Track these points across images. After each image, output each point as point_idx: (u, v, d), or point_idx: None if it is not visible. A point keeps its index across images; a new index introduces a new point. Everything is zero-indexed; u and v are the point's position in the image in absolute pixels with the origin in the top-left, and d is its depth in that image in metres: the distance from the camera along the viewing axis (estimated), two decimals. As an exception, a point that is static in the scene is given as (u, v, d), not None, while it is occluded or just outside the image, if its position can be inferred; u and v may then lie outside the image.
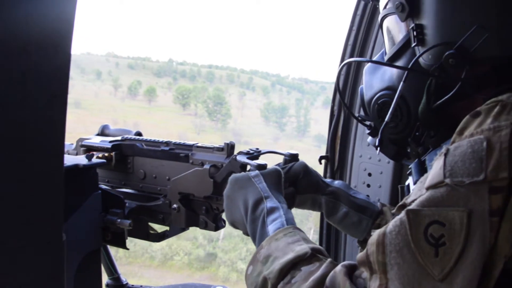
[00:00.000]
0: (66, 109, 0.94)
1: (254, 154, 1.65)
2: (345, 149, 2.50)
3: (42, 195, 0.90)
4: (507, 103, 0.94)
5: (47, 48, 0.85)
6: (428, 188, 0.93)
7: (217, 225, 1.71)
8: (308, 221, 29.96)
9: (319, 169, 2.28)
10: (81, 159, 1.61)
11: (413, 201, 0.95)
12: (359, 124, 2.41)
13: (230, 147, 1.65)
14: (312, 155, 2.41)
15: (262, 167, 1.48)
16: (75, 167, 1.55)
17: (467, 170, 0.89)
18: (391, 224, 0.95)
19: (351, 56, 2.40)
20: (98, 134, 2.02)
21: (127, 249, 1.75)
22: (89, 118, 52.99)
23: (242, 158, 1.59)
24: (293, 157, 1.66)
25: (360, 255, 0.99)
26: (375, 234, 0.97)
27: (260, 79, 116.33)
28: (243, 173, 1.44)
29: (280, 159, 1.70)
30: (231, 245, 29.81)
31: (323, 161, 2.52)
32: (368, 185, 2.41)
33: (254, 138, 57.65)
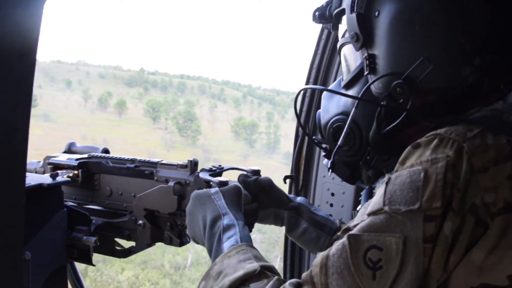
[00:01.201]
0: (29, 121, 0.91)
1: (217, 171, 1.68)
2: (309, 169, 2.54)
3: (2, 216, 0.91)
4: (445, 137, 0.99)
5: (11, 58, 0.85)
6: (369, 214, 0.99)
7: (182, 241, 1.74)
8: (275, 249, 30.27)
9: (284, 188, 2.30)
10: (46, 178, 1.61)
11: (355, 225, 1.00)
12: (324, 145, 2.54)
13: (194, 164, 1.68)
14: (282, 173, 2.46)
15: (223, 183, 1.50)
16: (40, 186, 1.55)
17: (404, 199, 0.95)
18: (334, 247, 1.00)
19: (316, 79, 2.46)
20: (65, 152, 2.03)
21: (93, 265, 1.78)
22: (58, 132, 52.40)
23: (205, 175, 1.61)
24: (256, 173, 1.70)
25: (305, 274, 1.04)
26: (319, 256, 1.03)
27: (231, 90, 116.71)
28: (204, 189, 1.48)
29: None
30: (198, 273, 29.91)
31: (287, 180, 2.55)
32: (331, 205, 2.45)
33: (224, 155, 57.79)
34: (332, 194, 2.45)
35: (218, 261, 1.22)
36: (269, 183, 1.68)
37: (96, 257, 1.77)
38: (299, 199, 1.73)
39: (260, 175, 1.71)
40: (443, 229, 0.93)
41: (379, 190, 1.02)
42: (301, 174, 2.54)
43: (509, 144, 0.97)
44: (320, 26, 1.45)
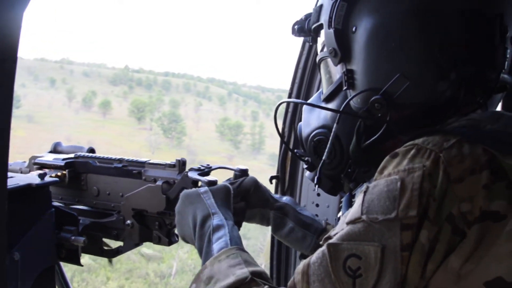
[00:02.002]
0: (10, 125, 0.90)
1: (205, 170, 1.67)
2: (295, 170, 2.55)
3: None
4: (422, 147, 1.01)
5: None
6: (348, 223, 1.01)
7: (170, 240, 1.74)
8: (259, 257, 30.62)
9: (270, 188, 2.32)
10: (34, 178, 1.60)
11: (335, 234, 1.03)
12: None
13: (182, 163, 1.69)
14: (267, 175, 2.45)
15: (212, 183, 1.51)
16: (28, 186, 1.54)
17: (381, 208, 0.98)
18: (315, 256, 1.03)
19: (299, 89, 2.48)
20: (51, 152, 2.02)
21: (81, 265, 1.79)
22: (42, 134, 52.02)
23: (193, 175, 1.62)
24: (243, 173, 1.72)
25: (290, 282, 1.06)
26: (301, 264, 1.05)
27: (217, 88, 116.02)
28: (193, 189, 1.49)
29: (230, 174, 1.76)
30: (183, 281, 30.05)
31: (273, 181, 2.57)
32: (317, 205, 2.47)
33: (209, 157, 57.72)
34: (318, 195, 2.48)
35: (209, 264, 1.23)
36: (254, 183, 1.69)
37: (80, 266, 1.77)
38: (285, 198, 1.75)
39: (247, 175, 1.72)
40: (419, 237, 0.95)
41: (358, 199, 1.04)
42: (287, 175, 2.56)
43: (485, 154, 0.99)
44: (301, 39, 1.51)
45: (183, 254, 27.85)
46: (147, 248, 29.64)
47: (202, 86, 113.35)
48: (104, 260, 1.94)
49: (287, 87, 2.60)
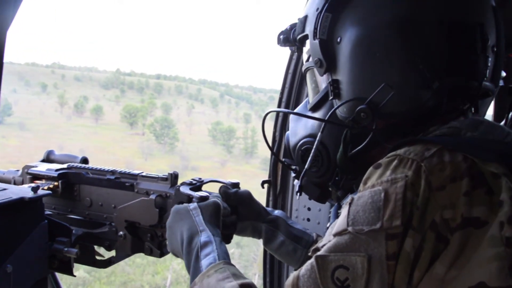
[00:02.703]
0: None
1: (197, 184, 1.69)
2: (287, 174, 2.55)
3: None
4: (404, 157, 1.03)
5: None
6: (334, 235, 1.03)
7: (162, 252, 1.75)
8: (253, 267, 30.28)
9: (262, 193, 2.42)
10: (27, 191, 1.60)
11: (323, 246, 1.05)
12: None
13: (174, 176, 1.70)
14: (259, 179, 2.46)
15: (203, 199, 1.53)
16: (21, 200, 1.55)
17: (366, 219, 0.99)
18: (304, 268, 1.04)
19: (289, 96, 2.50)
20: (43, 160, 2.02)
21: (74, 276, 1.79)
22: (34, 142, 51.79)
23: (185, 190, 1.63)
24: (235, 186, 1.73)
25: None
26: (291, 276, 1.07)
27: (209, 89, 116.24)
28: (183, 205, 1.50)
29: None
30: (178, 294, 29.76)
31: (265, 185, 2.56)
32: (309, 209, 2.48)
33: (202, 162, 57.64)
34: (310, 198, 2.28)
35: (198, 281, 1.24)
36: (248, 195, 1.72)
37: (75, 280, 1.88)
38: (277, 212, 1.76)
39: (239, 188, 1.74)
40: (404, 246, 0.97)
41: (343, 211, 1.06)
42: (279, 179, 2.56)
43: (465, 161, 1.01)
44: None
45: (177, 265, 27.70)
46: (141, 259, 29.64)
47: (194, 89, 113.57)
48: (99, 273, 2.03)
49: (279, 86, 2.61)
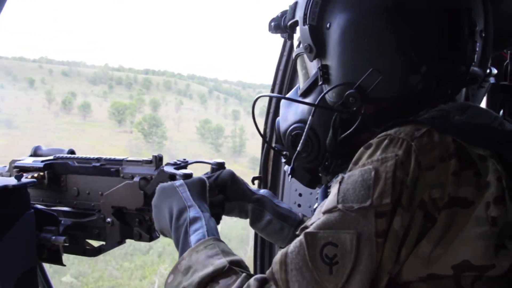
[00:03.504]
0: None
1: (181, 165, 1.69)
2: (277, 170, 2.54)
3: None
4: (394, 137, 1.04)
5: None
6: (324, 213, 1.03)
7: (151, 236, 1.75)
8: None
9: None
10: (11, 180, 1.60)
11: (312, 224, 1.04)
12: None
13: (158, 159, 1.70)
14: (248, 178, 2.32)
15: (187, 176, 1.52)
16: (5, 188, 1.55)
17: (356, 196, 1.00)
18: (292, 245, 1.04)
19: (281, 89, 2.49)
20: (31, 155, 2.01)
21: (64, 265, 1.79)
22: (22, 141, 51.49)
23: (169, 169, 1.63)
24: (220, 166, 1.74)
25: (268, 271, 1.08)
26: (279, 253, 1.07)
27: (197, 85, 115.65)
28: (169, 182, 1.49)
29: (208, 168, 1.77)
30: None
31: (256, 181, 2.55)
32: (299, 205, 2.47)
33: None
34: (300, 195, 2.48)
35: (186, 255, 1.23)
36: (231, 176, 1.69)
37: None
38: (262, 191, 1.75)
39: (224, 167, 1.74)
40: (393, 224, 0.97)
41: (333, 189, 1.06)
42: (269, 175, 2.55)
43: (454, 142, 1.02)
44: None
45: (164, 270, 27.85)
46: (129, 262, 29.77)
47: (183, 84, 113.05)
48: (87, 278, 2.09)
49: (268, 82, 2.62)
